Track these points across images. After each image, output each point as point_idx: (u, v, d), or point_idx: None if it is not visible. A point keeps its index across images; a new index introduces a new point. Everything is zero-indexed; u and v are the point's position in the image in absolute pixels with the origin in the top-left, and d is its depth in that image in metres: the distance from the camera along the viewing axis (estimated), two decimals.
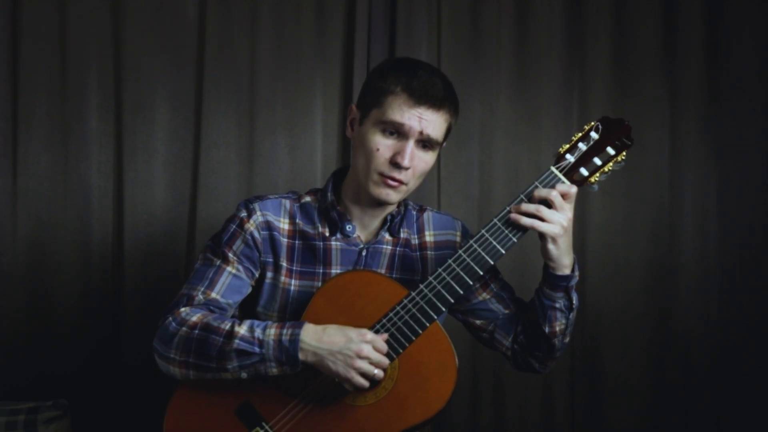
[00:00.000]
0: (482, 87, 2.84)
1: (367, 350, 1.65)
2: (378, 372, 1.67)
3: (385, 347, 1.68)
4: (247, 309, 1.94)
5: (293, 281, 1.87)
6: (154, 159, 2.68)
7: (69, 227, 2.62)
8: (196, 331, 1.70)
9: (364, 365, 1.65)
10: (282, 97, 2.74)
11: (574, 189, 1.74)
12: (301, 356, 1.66)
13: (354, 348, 1.65)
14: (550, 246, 1.75)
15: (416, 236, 1.96)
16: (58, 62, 2.61)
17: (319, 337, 1.66)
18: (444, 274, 1.73)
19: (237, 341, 1.67)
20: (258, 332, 1.68)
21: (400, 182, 1.80)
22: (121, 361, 2.63)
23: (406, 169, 1.78)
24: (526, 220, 1.72)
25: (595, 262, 2.86)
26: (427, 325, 1.72)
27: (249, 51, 2.72)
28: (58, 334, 2.62)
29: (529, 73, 2.86)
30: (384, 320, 1.72)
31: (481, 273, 1.73)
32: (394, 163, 1.78)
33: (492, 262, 1.74)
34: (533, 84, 2.86)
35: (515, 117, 2.86)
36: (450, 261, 1.73)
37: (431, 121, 1.77)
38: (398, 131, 1.77)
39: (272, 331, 1.68)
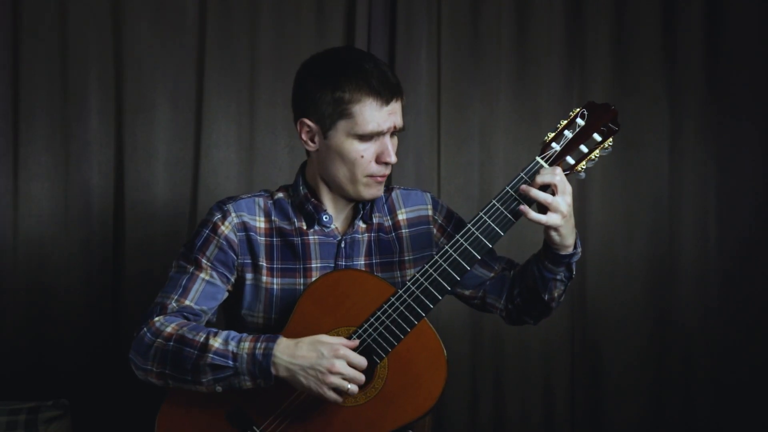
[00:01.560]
0: (482, 87, 2.84)
1: (340, 366, 1.63)
2: (352, 387, 1.66)
3: (361, 361, 1.66)
4: (231, 312, 1.94)
5: (275, 280, 1.85)
6: (154, 159, 2.69)
7: (69, 227, 2.64)
8: (171, 343, 1.70)
9: (336, 380, 1.64)
10: (282, 97, 2.73)
11: (557, 177, 1.69)
12: (273, 371, 1.65)
13: (326, 364, 1.63)
14: (553, 233, 1.73)
15: (388, 217, 1.95)
16: (58, 63, 2.62)
17: (291, 352, 1.65)
18: (431, 271, 1.72)
19: (211, 355, 1.66)
20: (232, 345, 1.68)
21: (385, 176, 1.84)
22: (122, 362, 2.61)
23: (394, 162, 1.81)
24: (533, 215, 1.69)
25: (595, 262, 2.86)
26: (416, 323, 1.70)
27: (249, 51, 2.73)
28: (58, 334, 2.63)
29: (529, 73, 2.86)
30: (372, 319, 1.71)
31: (469, 268, 1.72)
32: (382, 162, 1.80)
33: (479, 257, 1.72)
34: (533, 84, 2.85)
35: (515, 117, 2.85)
36: (436, 257, 1.72)
37: (397, 112, 1.80)
38: (376, 135, 1.78)
39: (246, 345, 1.67)
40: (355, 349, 1.71)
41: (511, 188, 1.72)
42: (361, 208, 1.90)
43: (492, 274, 1.99)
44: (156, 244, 2.68)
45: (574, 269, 1.85)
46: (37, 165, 2.61)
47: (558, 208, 1.68)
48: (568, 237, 1.75)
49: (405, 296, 1.71)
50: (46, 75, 2.61)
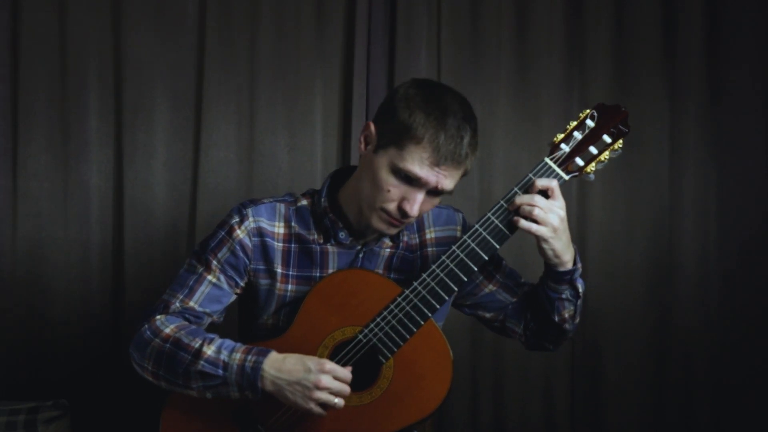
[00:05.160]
0: (482, 87, 2.83)
1: (326, 381, 1.64)
2: (338, 401, 1.66)
3: (347, 375, 1.67)
4: (244, 313, 1.95)
5: (289, 286, 1.85)
6: (154, 159, 2.68)
7: (69, 227, 2.63)
8: (168, 345, 1.71)
9: (323, 396, 1.64)
10: (282, 97, 2.74)
11: (554, 183, 1.70)
12: (260, 384, 1.65)
13: (312, 379, 1.63)
14: (545, 246, 1.73)
15: (416, 235, 1.92)
16: (58, 62, 2.62)
17: (278, 367, 1.65)
18: (438, 271, 1.72)
19: (202, 363, 1.67)
20: (224, 354, 1.68)
21: (403, 223, 1.76)
22: (121, 361, 2.62)
23: (413, 216, 1.73)
24: (523, 223, 1.69)
25: (595, 263, 2.86)
26: (422, 323, 1.71)
27: (249, 51, 2.72)
28: (58, 334, 2.63)
29: (529, 73, 2.86)
30: (378, 319, 1.72)
31: (475, 269, 1.72)
32: (402, 209, 1.72)
33: (486, 258, 1.72)
34: (533, 84, 2.85)
35: (515, 117, 2.85)
36: (444, 257, 1.72)
37: (449, 176, 1.71)
38: (412, 181, 1.70)
39: (238, 356, 1.67)
40: (357, 352, 1.72)
41: (520, 188, 1.73)
42: None
43: (514, 299, 1.97)
44: (156, 243, 2.68)
45: (579, 287, 1.84)
46: (37, 165, 2.61)
47: (546, 221, 1.69)
48: (563, 253, 1.75)
49: (411, 296, 1.71)
50: (46, 75, 2.60)
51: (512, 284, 1.98)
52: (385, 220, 1.75)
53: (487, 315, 1.99)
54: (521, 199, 1.70)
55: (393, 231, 1.79)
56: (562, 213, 1.71)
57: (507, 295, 1.97)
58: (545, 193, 1.71)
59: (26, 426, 2.19)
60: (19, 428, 2.18)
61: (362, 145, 1.79)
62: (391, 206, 1.72)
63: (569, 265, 1.79)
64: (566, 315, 1.86)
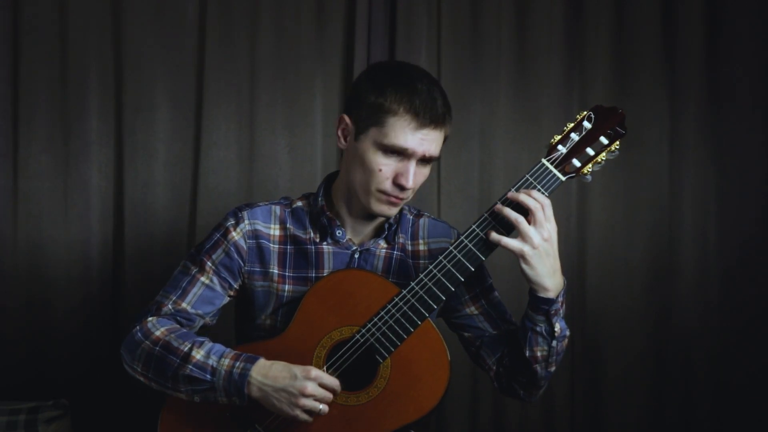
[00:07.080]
0: (482, 87, 2.84)
1: (312, 388, 1.64)
2: (323, 407, 1.66)
3: (333, 382, 1.67)
4: (241, 315, 1.96)
5: (286, 287, 1.85)
6: (154, 159, 2.69)
7: (69, 227, 2.63)
8: (157, 348, 1.71)
9: (308, 403, 1.64)
10: (282, 97, 2.74)
11: (547, 201, 1.70)
12: (246, 391, 1.66)
13: (298, 386, 1.63)
14: (522, 263, 1.70)
15: (410, 242, 1.93)
16: (58, 62, 2.62)
17: (265, 373, 1.66)
18: (435, 271, 1.72)
19: (190, 367, 1.67)
20: (213, 360, 1.68)
21: (402, 199, 1.79)
22: (122, 361, 2.63)
23: (409, 188, 1.76)
24: (493, 236, 1.68)
25: (595, 262, 2.86)
26: (419, 323, 1.71)
27: (249, 51, 2.72)
28: (58, 334, 2.63)
29: (529, 73, 2.86)
30: (375, 319, 1.72)
31: (473, 269, 1.72)
32: (398, 184, 1.75)
33: (483, 258, 1.72)
34: (533, 84, 2.85)
35: (515, 117, 2.85)
36: (441, 257, 1.73)
37: (433, 140, 1.74)
38: (401, 153, 1.74)
39: (226, 362, 1.68)
40: (355, 352, 1.73)
41: (515, 190, 1.74)
42: (386, 228, 1.88)
43: (495, 332, 1.93)
44: (156, 243, 2.68)
45: (555, 326, 1.77)
46: (37, 165, 2.61)
47: (526, 235, 1.67)
48: (544, 277, 1.71)
49: (409, 296, 1.72)
50: (46, 75, 2.60)
51: (496, 316, 1.94)
52: (384, 200, 1.78)
53: (466, 335, 1.96)
54: (509, 213, 1.69)
55: (394, 210, 1.81)
56: (546, 234, 1.68)
57: (487, 325, 1.94)
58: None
59: (27, 426, 2.19)
60: (19, 428, 2.18)
61: (341, 139, 1.83)
62: (387, 185, 1.76)
63: (550, 294, 1.73)
64: (538, 353, 1.79)
